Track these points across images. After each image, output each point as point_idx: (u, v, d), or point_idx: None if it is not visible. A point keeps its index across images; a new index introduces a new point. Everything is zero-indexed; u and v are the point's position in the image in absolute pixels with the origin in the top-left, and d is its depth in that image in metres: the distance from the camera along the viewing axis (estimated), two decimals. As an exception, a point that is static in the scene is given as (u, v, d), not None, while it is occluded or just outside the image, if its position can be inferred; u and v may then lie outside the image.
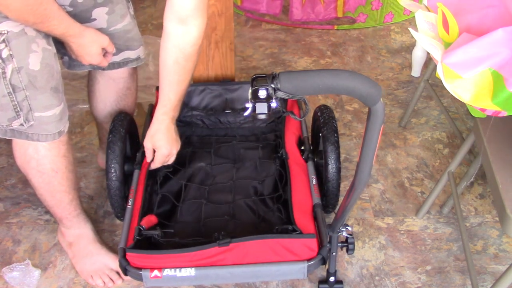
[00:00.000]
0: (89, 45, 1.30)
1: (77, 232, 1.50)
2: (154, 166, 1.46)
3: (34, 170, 1.32)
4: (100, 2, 1.35)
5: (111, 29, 1.41)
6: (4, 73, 1.14)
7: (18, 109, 1.19)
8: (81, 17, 1.34)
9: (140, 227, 1.28)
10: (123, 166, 1.50)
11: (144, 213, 1.35)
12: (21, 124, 1.21)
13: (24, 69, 1.16)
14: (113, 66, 1.49)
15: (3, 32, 1.12)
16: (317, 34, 2.67)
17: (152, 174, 1.48)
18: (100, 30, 1.35)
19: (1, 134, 1.25)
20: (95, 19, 1.37)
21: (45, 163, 1.31)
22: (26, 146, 1.29)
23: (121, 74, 1.54)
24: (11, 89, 1.16)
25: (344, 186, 1.75)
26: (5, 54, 1.13)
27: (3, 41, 1.12)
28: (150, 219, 1.33)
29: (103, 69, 1.49)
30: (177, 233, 1.36)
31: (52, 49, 1.24)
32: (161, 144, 1.41)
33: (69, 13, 1.28)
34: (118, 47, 1.44)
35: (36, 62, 1.17)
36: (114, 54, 1.45)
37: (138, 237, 1.26)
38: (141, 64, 1.55)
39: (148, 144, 1.42)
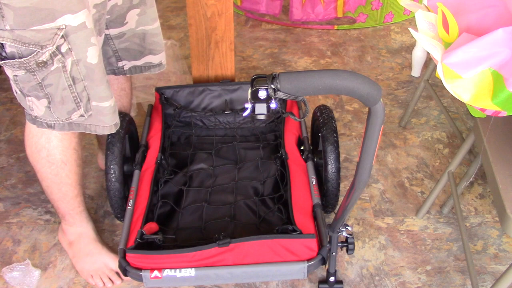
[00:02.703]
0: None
1: (79, 230, 1.50)
2: None
3: (44, 160, 1.33)
4: (135, 3, 1.37)
5: (138, 29, 1.41)
6: (64, 66, 1.14)
7: (78, 100, 1.20)
8: (116, 22, 1.36)
9: (142, 232, 1.28)
10: (122, 167, 1.50)
11: (147, 218, 1.35)
12: (81, 115, 1.23)
13: (83, 62, 1.17)
14: (135, 70, 1.50)
15: (61, 27, 1.10)
16: (317, 34, 2.66)
17: (154, 179, 1.48)
18: (128, 30, 1.38)
19: (58, 128, 1.25)
20: (127, 22, 1.38)
21: (56, 153, 1.32)
22: (39, 135, 1.30)
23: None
24: (71, 81, 1.17)
25: (344, 186, 1.75)
26: (64, 48, 1.13)
27: (62, 36, 1.11)
28: (151, 227, 1.33)
29: (125, 73, 1.50)
30: (178, 239, 1.36)
31: (99, 45, 1.24)
32: None
33: (106, 20, 1.30)
34: (141, 50, 1.45)
35: (94, 55, 1.18)
36: (135, 58, 1.46)
37: (139, 240, 1.26)
38: (162, 70, 1.55)
39: None
